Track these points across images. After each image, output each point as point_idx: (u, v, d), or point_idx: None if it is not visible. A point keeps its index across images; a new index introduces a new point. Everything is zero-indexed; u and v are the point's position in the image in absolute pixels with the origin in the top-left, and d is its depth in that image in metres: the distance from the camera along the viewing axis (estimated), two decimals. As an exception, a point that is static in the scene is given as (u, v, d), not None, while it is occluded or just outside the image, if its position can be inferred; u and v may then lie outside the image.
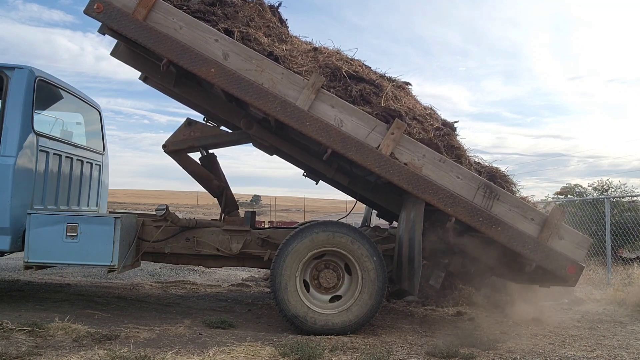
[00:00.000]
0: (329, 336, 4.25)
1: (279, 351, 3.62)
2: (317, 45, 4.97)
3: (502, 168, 4.91)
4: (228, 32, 4.44)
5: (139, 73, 5.34)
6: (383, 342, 4.18)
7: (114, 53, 5.13)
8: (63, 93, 5.60)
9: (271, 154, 5.77)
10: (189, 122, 5.17)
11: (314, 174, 5.92)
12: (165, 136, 5.34)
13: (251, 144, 5.52)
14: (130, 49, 5.01)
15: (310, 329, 4.38)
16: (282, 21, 5.24)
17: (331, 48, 4.91)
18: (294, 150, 5.24)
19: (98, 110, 6.44)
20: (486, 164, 4.88)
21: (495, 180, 4.62)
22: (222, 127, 5.62)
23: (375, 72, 4.92)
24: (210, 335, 4.16)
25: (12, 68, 4.82)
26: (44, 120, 5.36)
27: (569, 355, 4.03)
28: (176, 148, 5.15)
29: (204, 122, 5.39)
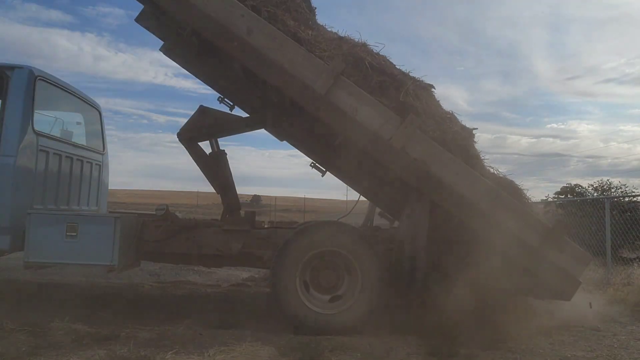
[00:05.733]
0: (329, 336, 4.24)
1: (279, 351, 3.62)
2: (343, 36, 4.97)
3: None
4: (256, 10, 4.47)
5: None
6: (383, 342, 4.17)
7: (138, 19, 5.16)
8: (63, 93, 5.59)
9: (282, 140, 5.76)
10: (202, 110, 5.18)
11: (322, 163, 5.90)
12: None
13: (263, 129, 5.51)
14: (155, 16, 5.05)
15: (310, 329, 4.37)
16: (310, 8, 5.27)
17: (357, 40, 4.90)
18: (306, 135, 5.23)
19: (98, 110, 6.44)
20: (501, 175, 4.88)
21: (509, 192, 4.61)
22: (236, 109, 5.61)
23: (398, 70, 4.91)
24: (210, 335, 4.16)
25: (12, 68, 4.82)
26: (44, 120, 5.36)
27: (569, 355, 4.03)
28: (191, 136, 5.15)
29: (218, 106, 5.39)
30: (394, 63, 4.94)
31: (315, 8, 5.35)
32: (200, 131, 5.16)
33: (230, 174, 5.52)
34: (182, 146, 5.33)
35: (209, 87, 5.69)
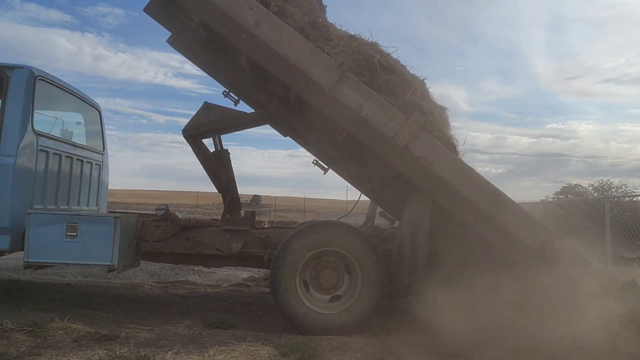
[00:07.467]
0: (329, 336, 4.24)
1: (279, 351, 3.62)
2: (354, 34, 4.97)
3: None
4: (264, 4, 4.50)
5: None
6: (383, 342, 4.17)
7: (147, 9, 5.15)
8: (63, 93, 5.59)
9: (285, 135, 5.75)
10: (207, 106, 5.17)
11: (324, 161, 5.90)
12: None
13: (268, 125, 5.53)
14: (163, 6, 5.07)
15: (310, 329, 4.37)
16: (321, 5, 5.28)
17: (367, 39, 4.89)
18: (309, 130, 5.22)
19: (98, 110, 6.44)
20: None
21: None
22: (241, 104, 5.61)
23: (408, 72, 4.91)
24: (210, 335, 4.16)
25: (12, 67, 4.81)
26: (44, 119, 5.36)
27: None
28: (196, 132, 5.15)
29: (222, 104, 5.40)
30: (405, 66, 4.93)
31: (326, 6, 5.36)
32: (205, 127, 5.17)
33: (232, 173, 5.52)
34: (182, 146, 5.42)
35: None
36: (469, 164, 4.67)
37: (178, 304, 5.69)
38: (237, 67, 5.25)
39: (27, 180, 4.72)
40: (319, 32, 4.65)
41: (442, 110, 4.98)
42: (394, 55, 4.86)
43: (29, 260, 4.48)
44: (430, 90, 4.97)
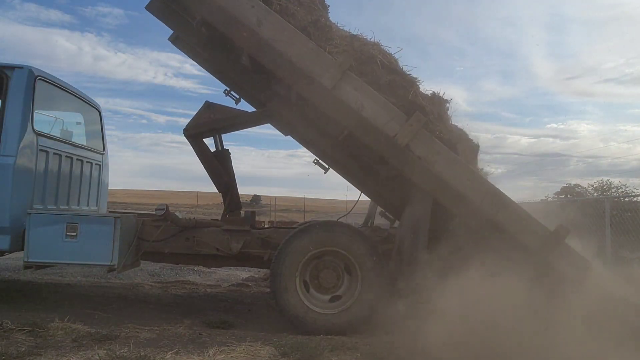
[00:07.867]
0: (329, 336, 4.24)
1: (279, 351, 3.62)
2: (356, 34, 4.97)
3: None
4: (267, 2, 4.51)
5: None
6: (383, 342, 4.17)
7: (149, 7, 5.15)
8: (63, 93, 5.59)
9: (286, 134, 5.75)
10: (208, 105, 5.18)
11: (325, 160, 5.90)
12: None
13: (269, 124, 5.54)
14: (165, 4, 5.08)
15: (310, 329, 4.37)
16: (323, 5, 5.29)
17: (370, 39, 4.87)
18: (310, 129, 5.22)
19: (98, 110, 6.43)
20: None
21: None
22: (242, 103, 5.61)
23: (410, 75, 4.91)
24: (210, 335, 4.16)
25: (12, 67, 4.81)
26: (44, 119, 5.36)
27: (570, 357, 4.01)
28: (197, 131, 5.16)
29: (223, 103, 5.42)
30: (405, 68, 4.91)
31: (329, 6, 5.36)
32: (206, 126, 5.17)
33: (233, 173, 5.51)
34: (182, 146, 5.45)
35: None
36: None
37: (178, 304, 5.70)
38: (239, 66, 5.24)
39: (27, 180, 4.72)
40: (322, 31, 4.66)
41: (472, 144, 4.95)
42: (397, 56, 4.87)
43: (29, 260, 4.49)
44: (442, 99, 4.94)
